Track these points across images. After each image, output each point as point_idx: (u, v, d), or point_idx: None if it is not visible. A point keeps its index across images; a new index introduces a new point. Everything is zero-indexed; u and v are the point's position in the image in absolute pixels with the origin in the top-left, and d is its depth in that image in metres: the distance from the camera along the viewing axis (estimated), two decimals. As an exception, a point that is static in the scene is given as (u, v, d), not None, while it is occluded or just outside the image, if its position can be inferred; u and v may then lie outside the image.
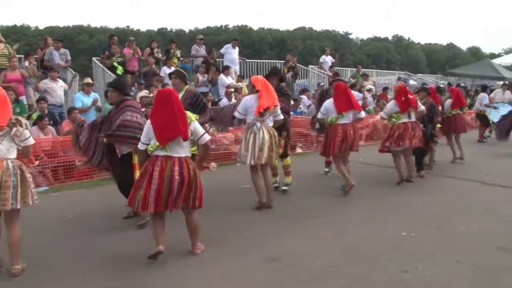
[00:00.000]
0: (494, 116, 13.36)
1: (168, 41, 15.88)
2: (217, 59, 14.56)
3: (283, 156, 7.19)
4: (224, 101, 11.69)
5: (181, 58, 13.84)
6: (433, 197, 7.26)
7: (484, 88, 15.78)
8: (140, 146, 4.73)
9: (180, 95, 5.68)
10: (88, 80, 10.68)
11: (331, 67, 17.81)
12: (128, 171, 5.57)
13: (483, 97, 14.23)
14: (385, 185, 7.96)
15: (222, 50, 14.71)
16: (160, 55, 13.50)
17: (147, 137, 4.62)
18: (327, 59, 18.10)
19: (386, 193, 7.39)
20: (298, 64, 17.31)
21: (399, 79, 20.67)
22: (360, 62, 51.56)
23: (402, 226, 5.70)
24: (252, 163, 6.24)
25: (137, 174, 5.14)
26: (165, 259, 4.65)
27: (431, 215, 6.26)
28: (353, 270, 4.40)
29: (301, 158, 10.36)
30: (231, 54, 14.53)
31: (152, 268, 4.48)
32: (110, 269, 4.47)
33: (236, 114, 6.49)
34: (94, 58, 13.42)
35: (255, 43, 73.55)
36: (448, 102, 10.16)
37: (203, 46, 14.62)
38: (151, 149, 4.57)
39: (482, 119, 13.95)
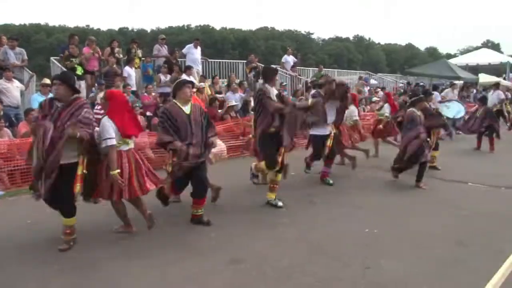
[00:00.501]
0: (447, 112, 13.84)
1: (129, 40, 15.60)
2: (179, 59, 14.44)
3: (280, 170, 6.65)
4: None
5: (143, 58, 13.66)
6: (395, 195, 7.41)
7: (435, 88, 16.56)
8: (114, 141, 4.93)
9: (188, 107, 5.65)
10: (46, 80, 10.33)
11: (293, 66, 17.97)
12: (68, 182, 4.78)
13: (435, 95, 14.76)
14: (348, 184, 8.08)
15: (184, 50, 14.59)
16: (121, 55, 13.25)
17: (114, 134, 4.96)
18: (289, 59, 18.22)
19: (349, 192, 7.50)
20: (260, 64, 17.34)
21: (360, 78, 21.01)
22: (322, 61, 52.19)
23: (365, 223, 5.81)
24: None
25: (78, 187, 4.82)
26: (128, 260, 4.58)
27: (394, 212, 6.40)
28: (318, 269, 4.45)
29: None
30: (193, 54, 14.41)
31: (115, 270, 4.40)
32: (69, 275, 4.34)
33: None
34: (52, 58, 13.02)
35: (217, 43, 73.42)
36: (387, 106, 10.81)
37: (165, 46, 14.46)
38: (117, 145, 4.98)
39: None
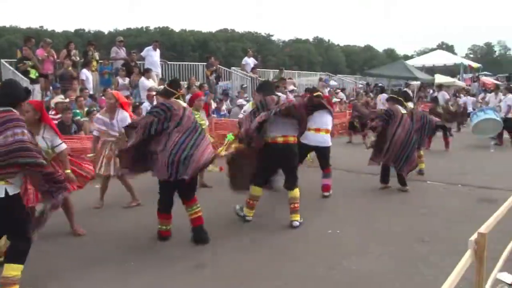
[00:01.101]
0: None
1: (86, 42, 15.30)
2: (138, 62, 14.25)
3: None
4: (146, 105, 11.45)
5: (100, 61, 13.42)
6: (356, 196, 7.52)
7: (383, 89, 17.70)
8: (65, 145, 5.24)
9: None
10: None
11: (253, 68, 17.96)
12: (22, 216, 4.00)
13: (382, 97, 15.31)
14: (311, 186, 8.05)
15: (143, 53, 14.40)
16: (78, 57, 12.97)
17: None
18: (250, 61, 18.23)
19: (312, 194, 7.48)
20: (221, 66, 17.34)
21: (320, 79, 21.27)
22: (283, 63, 52.53)
23: (328, 224, 5.89)
24: None
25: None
26: (89, 270, 4.48)
27: (355, 213, 6.51)
28: (282, 271, 4.47)
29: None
30: (152, 56, 14.24)
31: (74, 280, 4.29)
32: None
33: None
34: (3, 60, 12.64)
35: (176, 45, 72.70)
36: None
37: (123, 48, 14.27)
38: None
39: None
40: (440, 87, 18.97)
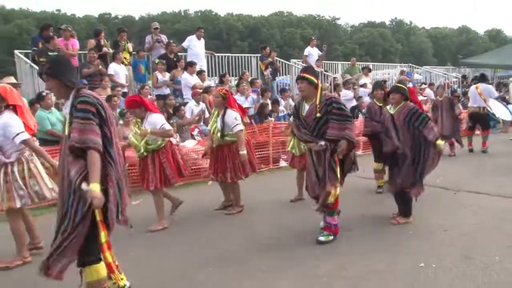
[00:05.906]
0: (502, 112, 12.82)
1: (115, 30, 15.27)
2: (180, 54, 14.52)
3: None
4: (191, 105, 11.66)
5: (134, 53, 13.71)
6: (455, 218, 7.18)
7: (483, 77, 14.52)
8: None
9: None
10: (11, 79, 8.87)
11: (317, 60, 17.78)
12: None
13: (484, 89, 13.24)
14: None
15: (185, 44, 14.65)
16: (110, 48, 13.18)
17: None
18: (313, 51, 18.17)
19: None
20: (278, 58, 17.31)
21: (401, 73, 20.78)
22: (352, 53, 52.16)
23: (420, 255, 5.67)
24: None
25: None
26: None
27: (455, 241, 6.20)
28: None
29: (285, 173, 10.38)
30: (196, 47, 14.48)
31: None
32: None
33: None
34: (17, 51, 12.98)
35: (222, 33, 73.73)
36: None
37: (164, 37, 14.41)
38: None
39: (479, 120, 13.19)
40: None
